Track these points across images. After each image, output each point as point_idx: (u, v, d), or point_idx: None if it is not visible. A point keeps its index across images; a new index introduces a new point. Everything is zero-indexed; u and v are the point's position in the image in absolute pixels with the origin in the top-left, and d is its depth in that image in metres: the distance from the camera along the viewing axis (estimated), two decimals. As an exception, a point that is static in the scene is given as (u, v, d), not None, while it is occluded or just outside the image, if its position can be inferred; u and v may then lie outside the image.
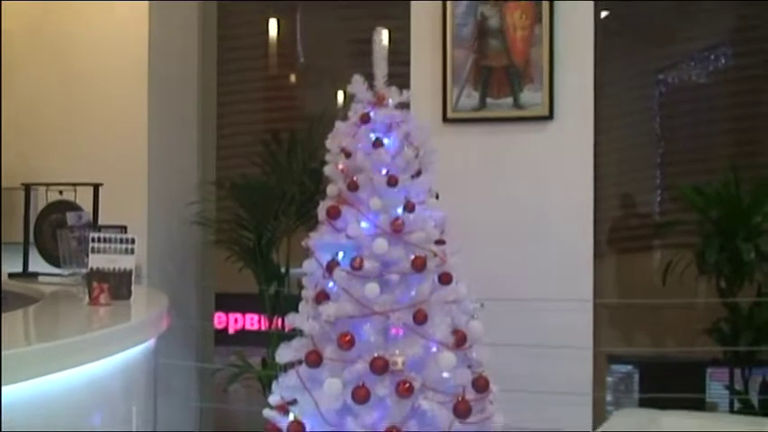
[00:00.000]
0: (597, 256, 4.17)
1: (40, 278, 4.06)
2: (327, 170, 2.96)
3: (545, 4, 4.13)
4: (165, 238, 4.51)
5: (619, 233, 4.58)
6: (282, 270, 4.38)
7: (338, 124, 2.99)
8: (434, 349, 2.65)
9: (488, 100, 4.20)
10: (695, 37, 4.55)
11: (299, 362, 2.73)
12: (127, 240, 3.10)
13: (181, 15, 4.80)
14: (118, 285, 3.04)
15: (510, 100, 4.18)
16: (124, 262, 3.08)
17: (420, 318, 2.63)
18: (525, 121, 4.18)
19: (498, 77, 4.19)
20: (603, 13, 4.40)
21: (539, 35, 4.14)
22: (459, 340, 2.67)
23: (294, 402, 2.73)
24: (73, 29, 4.51)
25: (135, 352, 2.76)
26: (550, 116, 4.13)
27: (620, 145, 4.56)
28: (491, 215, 4.15)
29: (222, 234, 4.50)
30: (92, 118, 4.44)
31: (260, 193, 4.27)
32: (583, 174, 4.13)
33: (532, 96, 4.15)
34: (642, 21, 4.61)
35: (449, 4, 4.24)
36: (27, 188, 4.23)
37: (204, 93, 4.98)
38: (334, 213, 2.84)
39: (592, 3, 4.16)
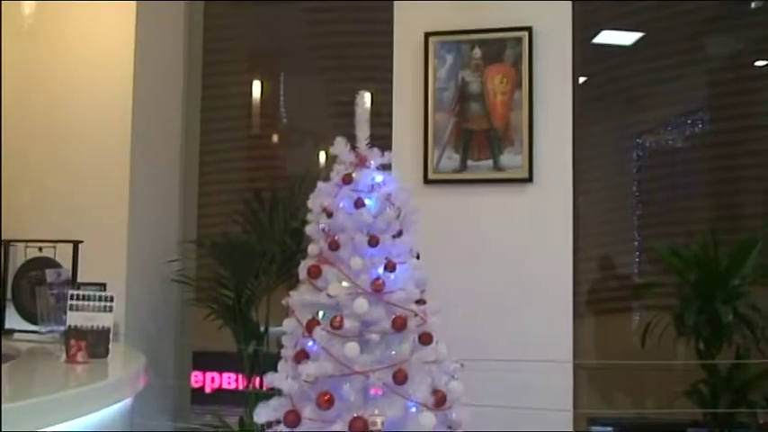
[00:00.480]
0: (577, 317, 4.19)
1: (17, 335, 4.01)
2: (309, 229, 2.98)
3: (525, 70, 4.21)
4: (143, 295, 4.48)
5: (598, 294, 4.60)
6: (262, 329, 4.36)
7: (320, 184, 3.02)
8: (414, 410, 2.65)
9: (469, 162, 4.25)
10: (672, 102, 4.64)
11: (278, 422, 2.71)
12: (106, 298, 3.09)
13: (166, 75, 4.84)
14: (96, 343, 3.03)
15: (490, 162, 4.23)
16: (102, 320, 3.07)
17: (400, 378, 2.62)
18: (505, 183, 4.23)
19: (479, 140, 4.25)
20: (582, 79, 4.49)
21: (518, 100, 4.22)
22: (439, 401, 2.67)
23: (272, 463, 2.71)
24: (55, 87, 4.53)
25: (111, 411, 2.73)
26: (530, 179, 4.18)
27: (599, 207, 4.61)
28: (471, 275, 4.16)
29: (201, 292, 4.48)
30: (73, 175, 4.44)
31: (241, 252, 4.26)
32: (562, 235, 4.17)
33: (512, 159, 4.21)
34: (620, 86, 4.70)
35: (431, 68, 4.32)
36: (6, 244, 4.20)
37: (187, 151, 5.00)
38: (314, 272, 2.84)
39: (570, 69, 4.24)
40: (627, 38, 4.71)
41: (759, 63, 4.60)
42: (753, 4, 4.56)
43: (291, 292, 2.91)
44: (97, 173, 4.43)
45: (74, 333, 3.01)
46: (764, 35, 4.55)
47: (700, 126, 4.60)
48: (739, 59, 4.61)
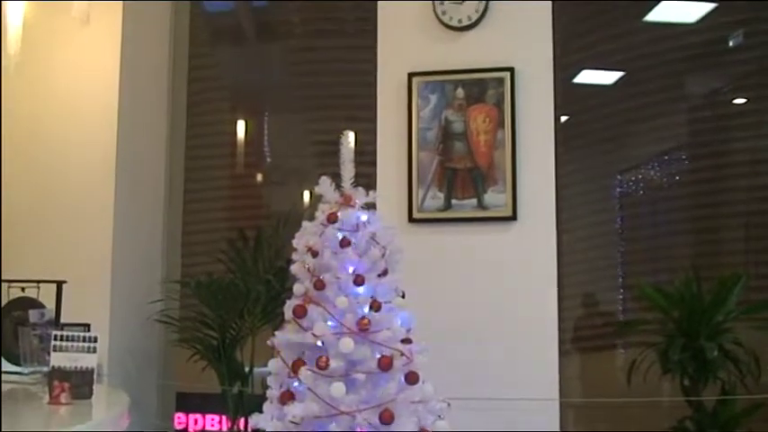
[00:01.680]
0: (562, 354, 4.19)
1: (-1, 376, 3.97)
2: (294, 269, 2.98)
3: (507, 110, 4.25)
4: (127, 336, 4.45)
5: (583, 332, 4.60)
6: (246, 369, 4.33)
7: (305, 224, 3.03)
8: (401, 450, 2.63)
9: (453, 201, 4.27)
10: (653, 140, 4.68)
11: (264, 464, 2.69)
12: (89, 339, 3.07)
13: (150, 114, 4.86)
14: (79, 384, 3.00)
15: (474, 201, 4.25)
16: (86, 360, 3.04)
17: (386, 418, 2.62)
18: (489, 222, 4.25)
19: (462, 179, 4.27)
20: (563, 118, 4.53)
21: (501, 139, 4.25)
22: (426, 441, 2.66)
23: (258, 506, 2.68)
24: (39, 126, 4.53)
25: (94, 454, 2.69)
26: (514, 217, 4.20)
27: (583, 245, 4.63)
28: (457, 314, 4.16)
29: (185, 332, 4.46)
30: (56, 215, 4.43)
31: (225, 292, 4.25)
32: (546, 273, 4.18)
33: (496, 198, 4.23)
34: (601, 125, 4.74)
35: (414, 108, 4.35)
36: (-12, 285, 4.17)
37: (171, 190, 5.00)
38: (300, 312, 2.84)
39: (552, 108, 4.28)
40: (607, 77, 4.77)
41: (738, 101, 4.66)
42: (731, 43, 4.63)
43: (277, 332, 2.91)
44: (81, 212, 4.42)
45: (57, 374, 2.98)
46: (742, 73, 4.62)
47: (681, 163, 4.64)
48: (718, 97, 4.67)
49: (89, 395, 3.00)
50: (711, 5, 4.57)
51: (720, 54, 4.64)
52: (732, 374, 3.74)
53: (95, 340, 3.07)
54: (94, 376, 3.03)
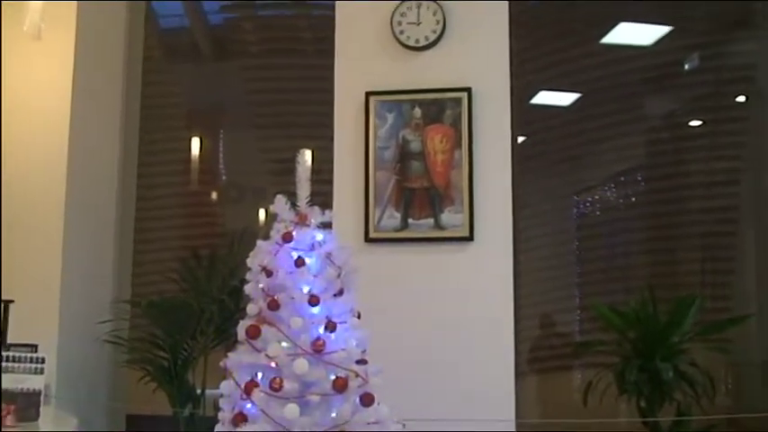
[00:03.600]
0: (518, 375, 4.18)
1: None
2: (248, 289, 2.95)
3: (464, 130, 4.25)
4: (75, 357, 4.35)
5: (539, 353, 4.61)
6: (198, 391, 4.27)
7: (260, 243, 3.00)
8: (355, 474, 2.60)
9: (410, 220, 4.25)
10: (609, 161, 4.72)
11: (215, 488, 2.64)
12: (37, 360, 3.01)
13: (103, 130, 4.79)
14: (26, 407, 2.95)
15: (431, 221, 4.24)
16: (33, 382, 2.99)
17: (341, 440, 2.58)
18: (446, 242, 4.24)
19: (419, 199, 4.26)
20: (521, 139, 4.55)
21: (458, 159, 4.25)
22: (381, 464, 2.62)
23: None
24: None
25: (40, 479, 2.63)
26: (470, 237, 4.19)
27: (539, 265, 4.64)
28: (413, 335, 4.13)
29: (135, 353, 4.38)
30: (4, 232, 4.33)
31: (177, 312, 4.19)
32: (503, 294, 4.17)
33: (453, 218, 4.22)
34: (558, 146, 4.77)
35: (371, 127, 4.33)
36: (-68, 305, 4.06)
37: (122, 208, 4.93)
38: (254, 333, 2.81)
39: (509, 128, 4.29)
40: (564, 98, 4.80)
41: (693, 123, 4.72)
42: (686, 66, 4.70)
43: (229, 353, 2.87)
44: (29, 230, 4.34)
45: (3, 396, 2.91)
46: (698, 96, 4.68)
47: (637, 184, 4.69)
48: (674, 119, 4.73)
49: (36, 417, 2.94)
50: (667, 29, 4.63)
51: (676, 77, 4.71)
52: (687, 395, 3.75)
53: (43, 361, 3.03)
54: (42, 398, 2.98)
